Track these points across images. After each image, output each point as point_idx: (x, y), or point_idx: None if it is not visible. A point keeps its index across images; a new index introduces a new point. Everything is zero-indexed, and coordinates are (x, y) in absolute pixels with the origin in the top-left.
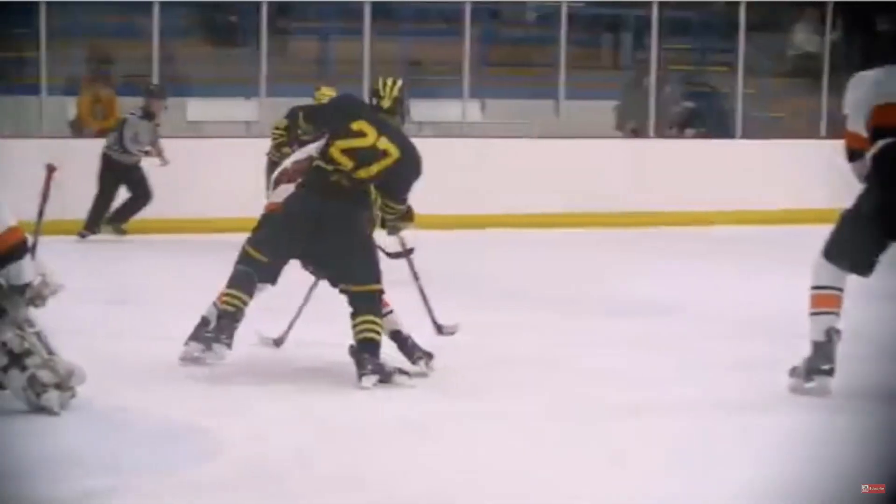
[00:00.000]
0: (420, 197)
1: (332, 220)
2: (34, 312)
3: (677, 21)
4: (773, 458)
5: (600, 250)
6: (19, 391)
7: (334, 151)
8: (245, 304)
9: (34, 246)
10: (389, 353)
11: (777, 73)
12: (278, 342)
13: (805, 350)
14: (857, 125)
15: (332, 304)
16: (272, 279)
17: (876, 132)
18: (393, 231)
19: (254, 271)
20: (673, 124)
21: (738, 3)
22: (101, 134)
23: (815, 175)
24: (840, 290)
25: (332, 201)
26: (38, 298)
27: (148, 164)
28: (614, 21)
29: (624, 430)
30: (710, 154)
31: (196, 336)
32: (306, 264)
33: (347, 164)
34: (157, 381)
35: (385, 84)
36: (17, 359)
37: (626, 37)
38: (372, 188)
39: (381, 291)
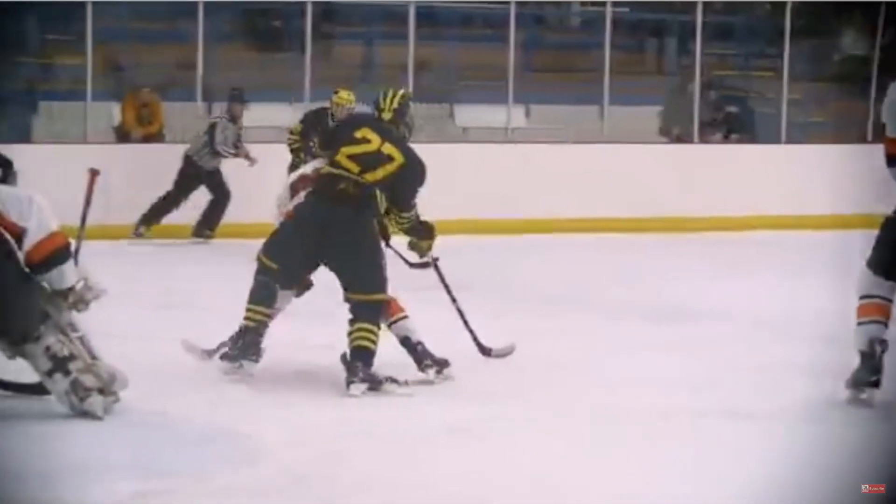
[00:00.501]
0: (464, 201)
1: (339, 227)
2: (78, 317)
3: (721, 26)
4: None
5: (643, 255)
6: (63, 395)
7: (341, 158)
8: (267, 316)
9: (77, 251)
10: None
11: (822, 77)
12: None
13: (851, 357)
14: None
15: None
16: (291, 284)
17: None
18: (413, 247)
19: (270, 279)
20: (717, 129)
21: (783, 6)
22: (145, 139)
23: (860, 180)
24: (887, 299)
25: (339, 208)
26: (80, 303)
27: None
28: (658, 26)
29: (661, 433)
30: (753, 159)
31: (229, 351)
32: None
33: (354, 168)
34: (198, 387)
35: (386, 95)
36: (61, 363)
37: (671, 42)
38: (380, 196)
39: (384, 301)
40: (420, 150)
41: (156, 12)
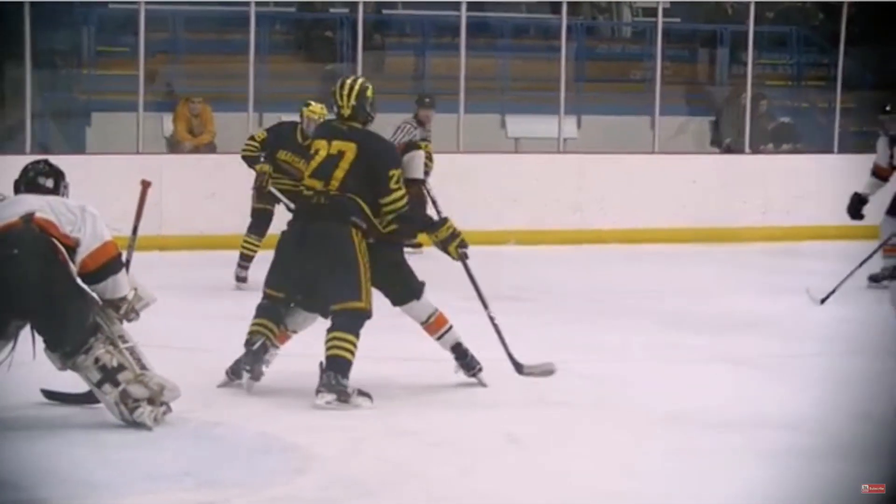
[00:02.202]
0: (515, 212)
1: (315, 242)
2: (129, 327)
3: (774, 35)
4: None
5: (695, 265)
6: (112, 406)
7: (306, 179)
8: (269, 330)
9: (128, 262)
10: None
11: (876, 86)
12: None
13: None
14: None
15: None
16: (311, 306)
17: None
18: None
19: (274, 304)
20: (768, 140)
21: (838, 14)
22: (196, 150)
23: None
24: None
25: (313, 224)
26: (131, 312)
27: None
28: (710, 36)
29: (719, 444)
30: (805, 169)
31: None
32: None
33: (317, 183)
34: (252, 397)
35: (342, 90)
36: (110, 374)
37: (722, 52)
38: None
39: (363, 310)
40: (471, 160)
41: (208, 23)
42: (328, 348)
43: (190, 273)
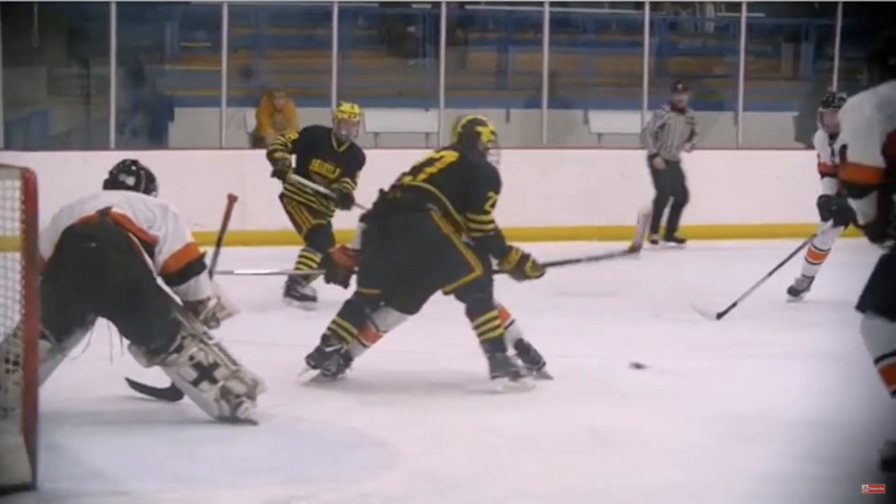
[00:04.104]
0: (599, 207)
1: (399, 234)
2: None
3: (861, 28)
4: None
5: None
6: (212, 404)
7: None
8: (348, 333)
9: (211, 271)
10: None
11: None
12: None
13: None
14: (866, 154)
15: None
16: (407, 306)
17: None
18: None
19: (365, 302)
20: None
21: None
22: None
23: None
24: None
25: (392, 218)
26: (212, 320)
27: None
28: (795, 30)
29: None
30: None
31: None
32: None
33: (407, 178)
34: (337, 392)
35: (454, 123)
36: (207, 371)
37: (807, 47)
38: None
39: (478, 277)
40: (554, 156)
41: (291, 18)
42: (478, 335)
43: (273, 267)
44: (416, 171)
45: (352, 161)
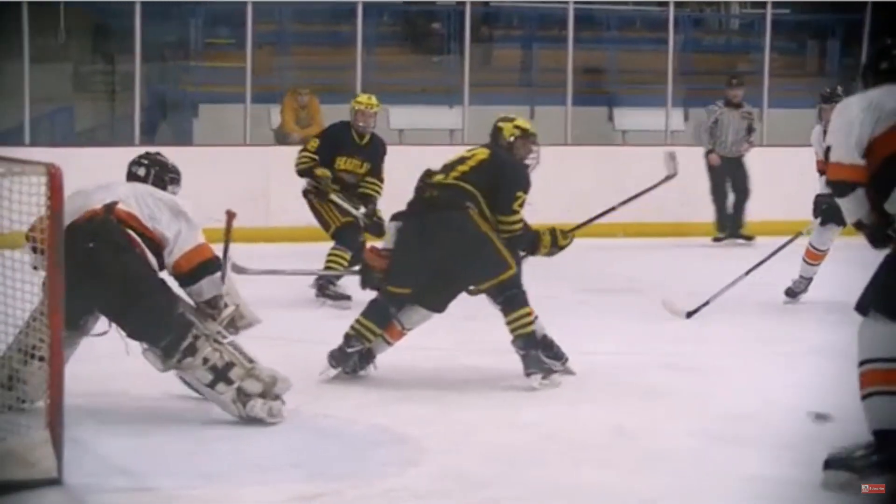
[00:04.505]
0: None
1: (436, 234)
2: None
3: (890, 25)
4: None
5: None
6: (229, 405)
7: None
8: (372, 333)
9: (223, 276)
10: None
11: None
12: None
13: None
14: (847, 154)
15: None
16: (435, 304)
17: (889, 165)
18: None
19: (391, 303)
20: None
21: None
22: (304, 141)
23: None
24: None
25: (429, 217)
26: (230, 327)
27: None
28: (821, 27)
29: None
30: None
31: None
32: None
33: (439, 176)
34: (361, 389)
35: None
36: (222, 373)
37: (833, 43)
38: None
39: (513, 275)
40: (579, 152)
41: (315, 15)
42: (512, 331)
43: (298, 264)
44: (448, 168)
45: (375, 153)
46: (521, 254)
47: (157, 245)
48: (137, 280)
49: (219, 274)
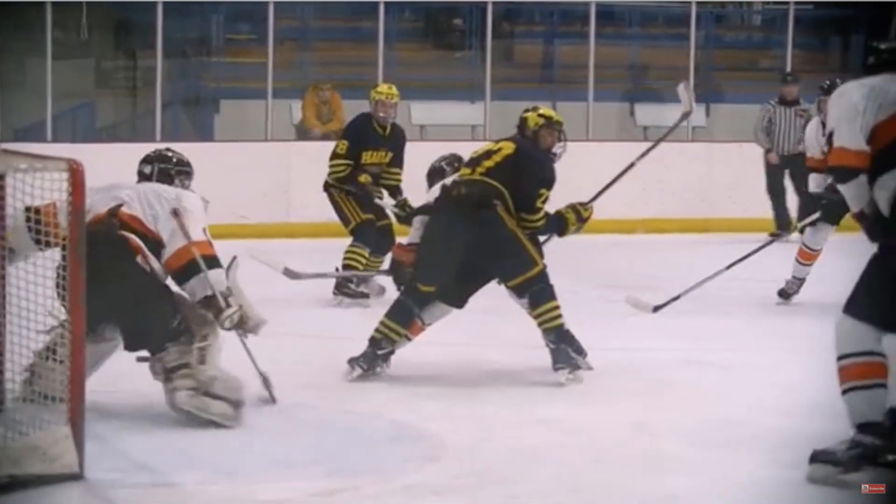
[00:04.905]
0: (645, 201)
1: (467, 233)
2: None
3: None
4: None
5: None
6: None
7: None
8: (397, 334)
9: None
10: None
11: None
12: None
13: None
14: (851, 139)
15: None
16: (455, 301)
17: (885, 154)
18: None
19: (413, 301)
20: None
21: None
22: (325, 137)
23: None
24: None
25: (460, 216)
26: (237, 327)
27: None
28: (844, 22)
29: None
30: None
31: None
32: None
33: (466, 171)
34: (381, 385)
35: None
36: (169, 373)
37: (857, 39)
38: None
39: (541, 272)
40: (600, 148)
41: (337, 10)
42: (540, 324)
43: (319, 260)
44: (474, 163)
45: (397, 143)
46: (543, 239)
47: (159, 246)
48: (134, 288)
49: (206, 273)
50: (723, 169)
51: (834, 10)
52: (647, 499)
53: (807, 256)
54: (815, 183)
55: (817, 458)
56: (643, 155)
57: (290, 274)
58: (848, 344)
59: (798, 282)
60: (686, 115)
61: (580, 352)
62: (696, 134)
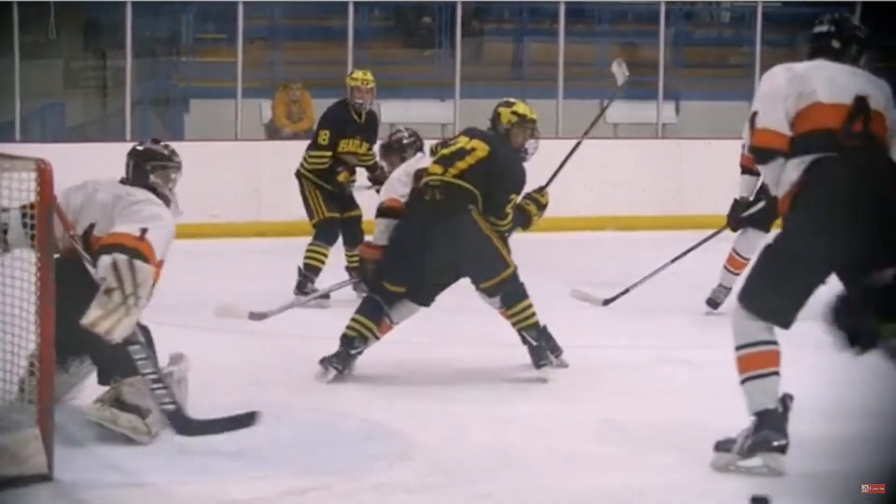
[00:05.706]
0: (616, 198)
1: (439, 237)
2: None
3: (884, 17)
4: None
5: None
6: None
7: (431, 165)
8: (369, 330)
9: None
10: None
11: None
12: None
13: None
14: (775, 121)
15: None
16: (426, 300)
17: (802, 140)
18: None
19: (384, 299)
20: None
21: None
22: (295, 136)
23: None
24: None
25: (433, 220)
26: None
27: None
28: (812, 19)
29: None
30: None
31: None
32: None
33: (437, 168)
34: (352, 384)
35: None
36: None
37: None
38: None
39: (513, 274)
40: (570, 146)
41: (306, 10)
42: (514, 324)
43: (289, 259)
44: (446, 161)
45: (372, 130)
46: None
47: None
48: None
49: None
50: (693, 166)
51: (802, 7)
52: (618, 496)
53: (736, 265)
54: (744, 186)
55: (719, 447)
56: (587, 132)
57: (256, 317)
58: (743, 335)
59: (726, 290)
60: (621, 90)
61: (555, 350)
62: (667, 131)
